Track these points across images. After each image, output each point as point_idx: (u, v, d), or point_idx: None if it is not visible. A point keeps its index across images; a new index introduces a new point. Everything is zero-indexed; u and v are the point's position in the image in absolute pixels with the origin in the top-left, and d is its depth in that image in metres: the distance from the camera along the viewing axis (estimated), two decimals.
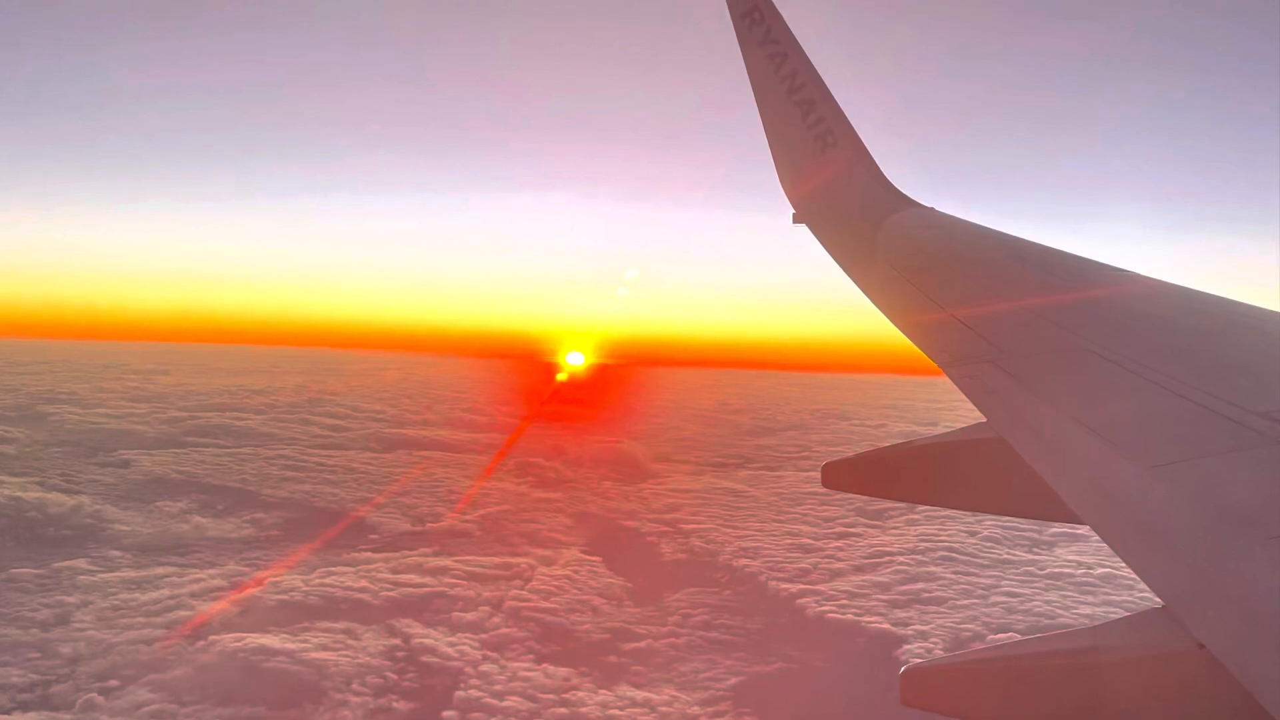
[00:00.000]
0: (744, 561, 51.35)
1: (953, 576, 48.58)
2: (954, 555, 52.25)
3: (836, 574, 49.28)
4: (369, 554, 50.60)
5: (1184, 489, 2.73)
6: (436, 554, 50.57)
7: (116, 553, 49.78)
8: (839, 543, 55.49)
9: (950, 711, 2.78)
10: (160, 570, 46.52)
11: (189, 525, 56.62)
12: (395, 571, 47.04)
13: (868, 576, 48.70)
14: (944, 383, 4.23)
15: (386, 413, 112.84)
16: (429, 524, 58.56)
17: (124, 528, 54.77)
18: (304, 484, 68.61)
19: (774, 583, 47.74)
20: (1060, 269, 5.73)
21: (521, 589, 45.70)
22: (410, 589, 44.63)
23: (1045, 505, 3.29)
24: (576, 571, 48.86)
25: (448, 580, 46.10)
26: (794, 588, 46.84)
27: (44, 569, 45.62)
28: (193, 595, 42.86)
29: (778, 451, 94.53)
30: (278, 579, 45.35)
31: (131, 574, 45.91)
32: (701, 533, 57.89)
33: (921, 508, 50.64)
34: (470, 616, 41.80)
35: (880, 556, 52.12)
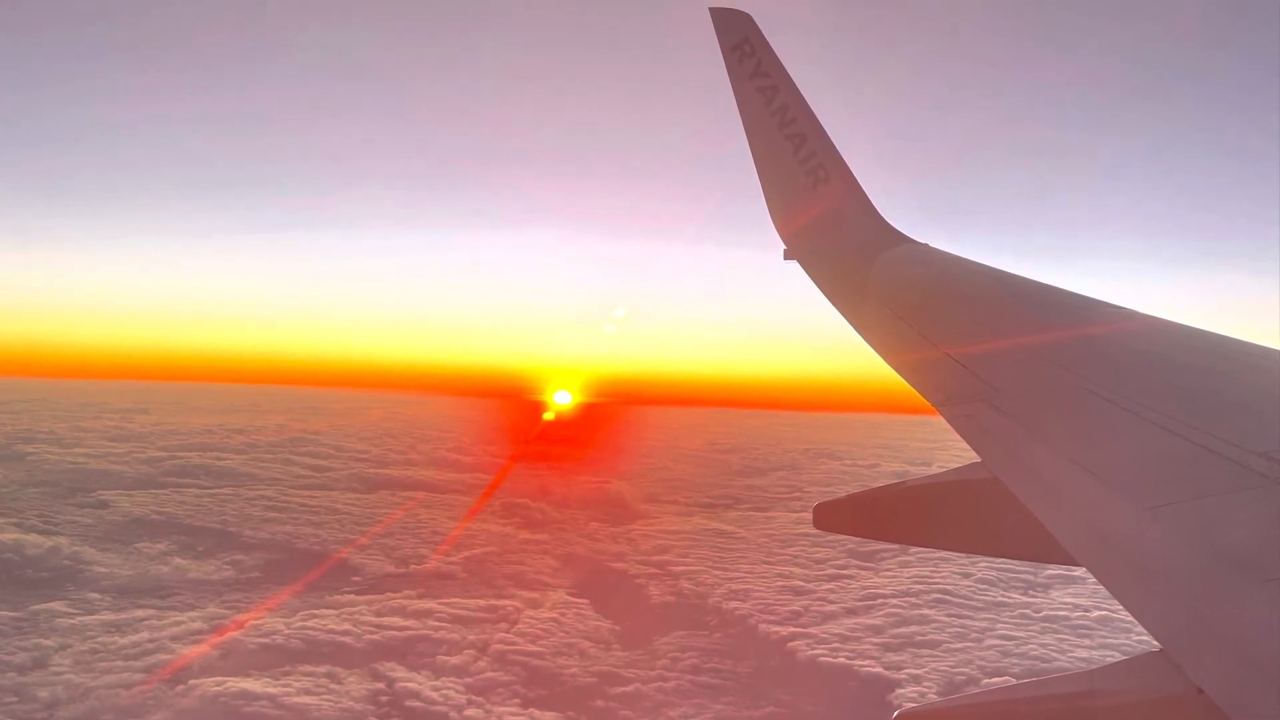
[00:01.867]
0: (734, 604, 50.82)
1: (947, 619, 48.20)
2: (948, 598, 51.90)
3: (828, 617, 48.82)
4: (352, 596, 49.81)
5: (1182, 530, 2.70)
6: (421, 596, 49.85)
7: (95, 595, 48.85)
8: (831, 585, 55.05)
9: None
10: (139, 613, 45.63)
11: (169, 567, 55.70)
12: (379, 614, 46.28)
13: (860, 619, 48.26)
14: (938, 422, 4.21)
15: (370, 452, 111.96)
16: (413, 566, 57.80)
17: (103, 569, 53.81)
18: (285, 525, 67.73)
19: (764, 625, 47.22)
20: (1056, 306, 5.74)
21: (507, 632, 45.02)
22: (394, 632, 43.89)
23: (1041, 547, 3.25)
24: (563, 614, 48.21)
25: (432, 623, 45.39)
26: (785, 630, 46.34)
27: (21, 611, 44.68)
28: (173, 638, 42.01)
29: (768, 492, 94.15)
30: (259, 622, 44.52)
31: (110, 617, 45.00)
32: (690, 575, 57.34)
33: (915, 549, 50.47)
34: (455, 660, 41.08)
35: (873, 599, 51.70)
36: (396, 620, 45.59)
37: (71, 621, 43.99)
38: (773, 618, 48.42)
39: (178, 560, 57.09)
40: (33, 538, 58.28)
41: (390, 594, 50.11)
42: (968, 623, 47.68)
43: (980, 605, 50.91)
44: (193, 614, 45.84)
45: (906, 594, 52.53)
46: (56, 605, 46.17)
